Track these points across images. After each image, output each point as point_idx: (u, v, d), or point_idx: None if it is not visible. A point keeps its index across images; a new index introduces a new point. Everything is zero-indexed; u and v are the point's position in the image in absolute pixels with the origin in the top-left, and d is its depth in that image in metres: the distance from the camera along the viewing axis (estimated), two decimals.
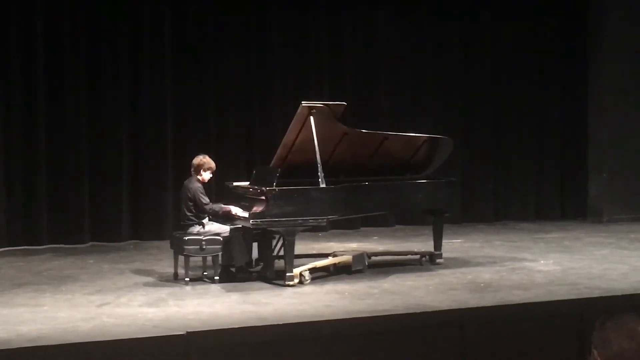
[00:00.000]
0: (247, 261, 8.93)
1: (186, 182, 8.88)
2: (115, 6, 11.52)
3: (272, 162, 9.10)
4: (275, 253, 9.09)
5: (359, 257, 9.27)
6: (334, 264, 9.15)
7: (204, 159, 8.85)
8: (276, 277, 8.62)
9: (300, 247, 9.08)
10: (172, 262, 8.87)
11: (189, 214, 8.73)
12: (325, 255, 9.43)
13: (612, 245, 10.99)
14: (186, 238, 8.57)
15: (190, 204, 8.71)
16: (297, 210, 8.40)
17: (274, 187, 8.45)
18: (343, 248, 10.30)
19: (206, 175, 8.85)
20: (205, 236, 8.59)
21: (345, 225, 12.07)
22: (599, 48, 13.63)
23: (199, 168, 8.81)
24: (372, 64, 12.95)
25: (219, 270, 8.63)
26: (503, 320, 6.77)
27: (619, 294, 7.70)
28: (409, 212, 11.73)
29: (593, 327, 3.06)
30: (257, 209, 8.46)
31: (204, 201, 8.68)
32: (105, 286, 8.45)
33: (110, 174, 11.53)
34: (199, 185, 8.75)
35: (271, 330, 6.34)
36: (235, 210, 8.67)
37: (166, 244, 9.39)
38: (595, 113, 13.75)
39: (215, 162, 9.01)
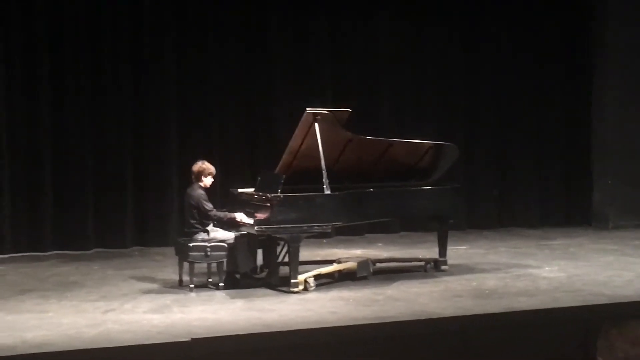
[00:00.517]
0: (252, 268, 8.93)
1: (188, 190, 8.87)
2: (116, 11, 11.54)
3: (277, 168, 9.10)
4: (279, 259, 9.09)
5: (363, 263, 9.26)
6: (339, 271, 9.14)
7: (203, 165, 8.84)
8: (281, 284, 8.62)
9: (304, 254, 9.07)
10: (176, 269, 8.87)
11: (193, 221, 8.72)
12: (330, 262, 9.42)
13: (617, 252, 10.97)
14: (191, 244, 8.57)
15: (194, 211, 8.70)
16: (301, 217, 8.40)
17: (278, 194, 8.46)
18: (348, 255, 10.29)
19: (208, 181, 8.84)
20: (210, 243, 8.59)
21: (350, 232, 12.07)
22: (603, 53, 13.61)
23: (199, 175, 8.81)
24: (373, 67, 12.93)
25: (223, 277, 8.63)
26: (508, 327, 6.77)
27: (624, 300, 7.67)
28: (413, 218, 11.71)
29: (598, 334, 3.06)
30: (262, 215, 8.47)
31: (208, 208, 8.68)
32: (110, 292, 8.46)
33: (114, 180, 11.54)
34: (202, 192, 8.74)
35: (276, 337, 6.34)
36: (241, 217, 8.66)
37: (171, 250, 9.40)
38: (599, 119, 13.73)
39: (219, 169, 9.01)
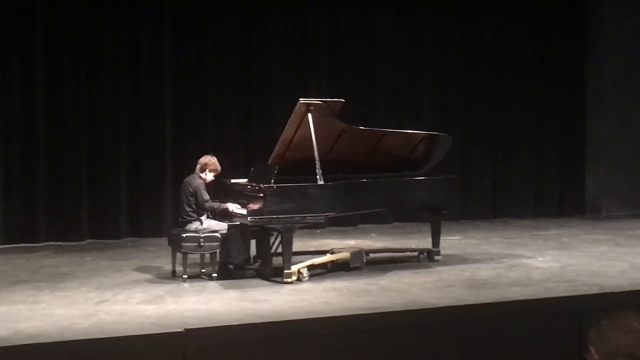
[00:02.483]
0: (245, 258, 8.93)
1: (187, 178, 8.88)
2: (115, 4, 11.50)
3: (270, 159, 9.10)
4: (273, 250, 9.09)
5: (357, 254, 9.27)
6: (332, 261, 9.15)
7: (212, 159, 8.85)
8: (274, 274, 8.62)
9: (298, 244, 9.07)
10: (170, 259, 8.86)
11: (188, 209, 8.72)
12: (323, 253, 9.43)
13: (610, 242, 11.00)
14: (184, 235, 8.56)
15: (191, 199, 8.70)
16: (295, 208, 8.40)
17: (272, 184, 8.45)
18: (341, 245, 10.30)
19: (209, 176, 8.84)
20: (203, 233, 8.59)
21: (343, 223, 12.06)
22: (598, 44, 13.62)
23: (204, 167, 8.81)
24: (371, 61, 12.94)
25: (216, 268, 8.63)
26: (501, 317, 6.78)
27: (617, 290, 7.71)
28: (407, 209, 11.71)
29: (590, 324, 3.07)
30: (255, 206, 8.46)
31: (205, 197, 8.69)
32: (103, 283, 8.46)
33: (108, 171, 11.53)
34: (201, 181, 8.76)
35: (269, 327, 6.34)
36: (233, 207, 8.67)
37: (164, 241, 9.39)
38: (593, 109, 13.75)
39: (214, 161, 8.98)
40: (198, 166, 8.86)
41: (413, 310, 6.99)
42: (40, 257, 10.17)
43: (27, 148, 11.17)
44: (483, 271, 9.00)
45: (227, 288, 8.23)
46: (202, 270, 8.76)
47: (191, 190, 8.71)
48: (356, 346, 5.92)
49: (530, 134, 13.78)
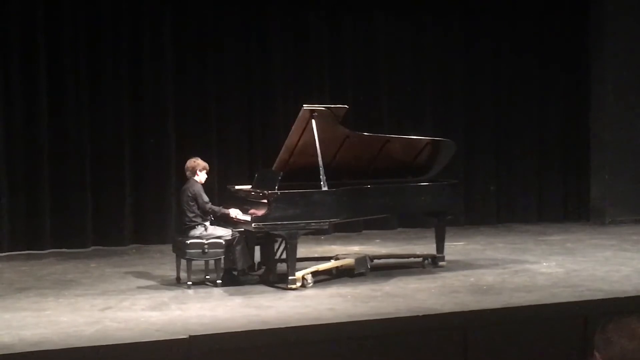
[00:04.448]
0: (250, 265, 8.93)
1: (185, 185, 8.89)
2: (116, 10, 11.53)
3: (274, 165, 9.11)
4: (277, 256, 9.08)
5: (361, 260, 9.27)
6: (337, 267, 9.15)
7: (196, 161, 8.88)
8: (278, 281, 8.62)
9: (302, 250, 9.08)
10: (174, 266, 8.87)
11: (191, 215, 8.72)
12: (328, 259, 9.43)
13: (614, 247, 10.99)
14: (188, 242, 8.57)
15: (192, 204, 8.70)
16: (299, 214, 8.40)
17: (276, 191, 8.45)
18: (345, 251, 10.30)
19: (202, 176, 8.86)
20: (207, 239, 8.59)
21: (348, 228, 12.07)
22: (601, 49, 13.62)
23: (194, 170, 8.83)
24: (373, 65, 12.96)
25: (221, 274, 8.63)
26: (505, 322, 6.77)
27: (622, 295, 7.69)
28: (411, 214, 11.72)
29: (595, 329, 3.06)
30: (260, 212, 8.46)
31: (205, 199, 8.70)
32: (107, 290, 8.46)
33: (112, 178, 11.55)
34: (200, 186, 8.77)
35: (274, 333, 6.33)
36: (235, 213, 8.68)
37: (168, 247, 9.40)
38: (597, 114, 13.74)
39: (217, 166, 9.03)
40: (188, 172, 8.87)
41: (417, 316, 6.97)
42: (44, 264, 10.19)
43: (30, 155, 11.19)
44: (487, 277, 9.00)
45: (231, 294, 8.23)
46: (207, 277, 8.76)
47: (190, 195, 8.71)
48: (361, 352, 5.92)
49: (534, 139, 13.79)
